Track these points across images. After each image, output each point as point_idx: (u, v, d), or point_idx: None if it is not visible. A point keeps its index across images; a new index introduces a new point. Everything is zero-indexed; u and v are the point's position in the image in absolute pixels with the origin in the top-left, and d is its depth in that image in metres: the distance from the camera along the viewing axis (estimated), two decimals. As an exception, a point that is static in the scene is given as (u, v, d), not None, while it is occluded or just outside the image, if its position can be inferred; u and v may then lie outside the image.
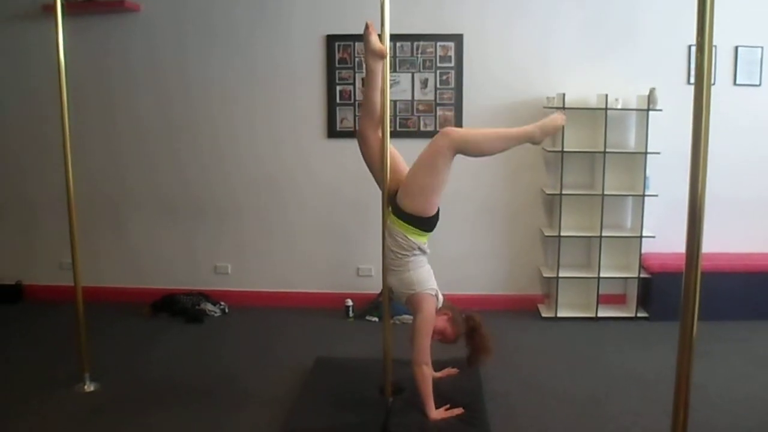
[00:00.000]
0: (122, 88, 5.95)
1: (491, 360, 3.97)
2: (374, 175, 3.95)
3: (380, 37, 3.71)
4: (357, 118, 5.76)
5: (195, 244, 6.13)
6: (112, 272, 6.19)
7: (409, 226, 3.70)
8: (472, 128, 3.64)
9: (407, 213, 3.68)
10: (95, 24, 5.85)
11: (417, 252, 3.77)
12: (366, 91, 3.87)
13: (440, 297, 3.91)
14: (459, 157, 5.52)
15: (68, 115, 4.16)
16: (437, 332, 3.88)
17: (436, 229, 3.85)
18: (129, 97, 5.96)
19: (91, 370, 4.32)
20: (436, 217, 3.77)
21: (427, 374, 3.75)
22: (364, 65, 3.84)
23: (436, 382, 3.98)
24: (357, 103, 5.76)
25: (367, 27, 3.68)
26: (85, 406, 4.06)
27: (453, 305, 4.08)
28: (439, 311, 3.88)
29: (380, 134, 3.81)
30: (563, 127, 4.66)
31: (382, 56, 3.72)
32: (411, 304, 3.80)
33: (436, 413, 3.74)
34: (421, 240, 3.76)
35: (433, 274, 3.88)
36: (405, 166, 3.90)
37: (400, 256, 3.75)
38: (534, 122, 3.77)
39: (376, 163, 3.87)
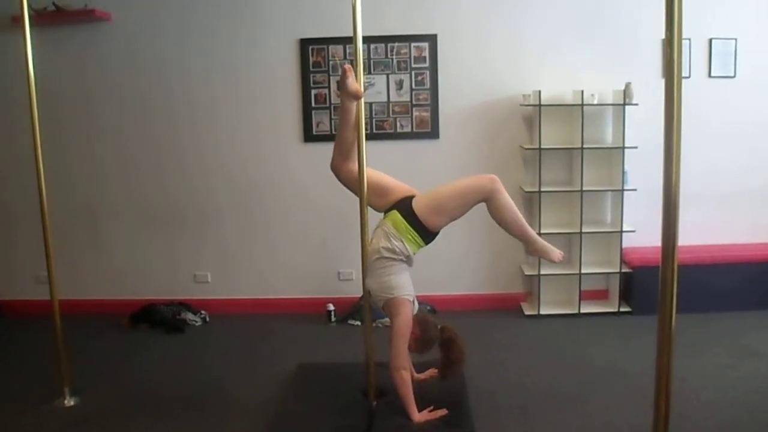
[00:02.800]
0: (98, 97, 5.88)
1: (462, 371, 4.02)
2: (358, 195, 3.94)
3: (353, 40, 3.71)
4: (332, 120, 5.74)
5: (174, 253, 6.08)
6: (90, 284, 6.11)
7: (415, 233, 3.74)
8: (508, 197, 3.73)
9: (420, 221, 3.72)
10: (67, 34, 5.78)
11: (404, 259, 3.79)
12: (339, 129, 3.88)
13: (416, 304, 3.92)
14: (439, 153, 5.54)
15: (39, 126, 4.11)
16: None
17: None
18: (105, 107, 5.89)
19: (71, 384, 4.26)
20: (435, 236, 3.84)
21: (406, 378, 3.75)
22: (339, 71, 3.83)
23: (420, 384, 3.96)
24: (333, 106, 5.73)
25: (344, 71, 3.70)
26: (65, 421, 4.00)
27: (427, 316, 4.10)
28: (413, 327, 3.84)
29: (354, 164, 3.83)
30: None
31: (357, 97, 3.74)
32: (388, 308, 3.80)
33: (420, 416, 3.72)
34: (414, 249, 3.79)
35: (411, 282, 3.88)
36: (391, 179, 3.94)
37: (386, 259, 3.75)
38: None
39: (355, 188, 3.90)
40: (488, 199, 3.70)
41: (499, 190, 3.71)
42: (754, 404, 4.01)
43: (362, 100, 3.78)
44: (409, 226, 3.73)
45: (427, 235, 3.78)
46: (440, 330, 3.93)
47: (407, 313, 3.76)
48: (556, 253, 3.88)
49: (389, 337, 3.77)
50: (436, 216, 3.73)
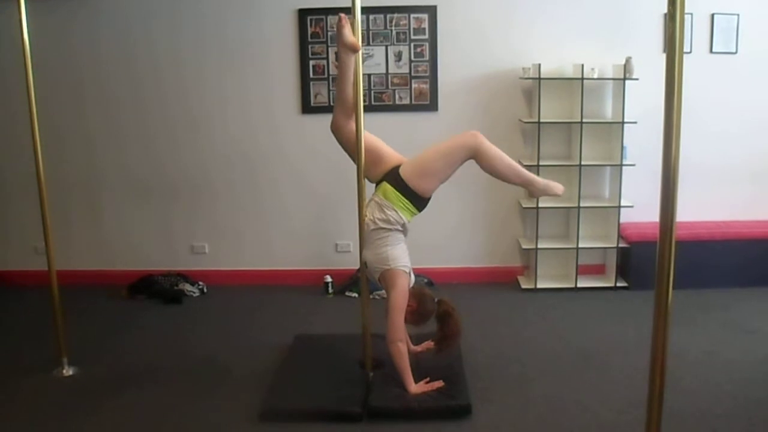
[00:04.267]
0: (91, 69, 5.83)
1: (458, 345, 4.04)
2: (355, 161, 3.91)
3: (352, 10, 3.66)
4: (331, 92, 5.71)
5: (171, 225, 6.07)
6: (88, 256, 6.12)
7: (407, 200, 3.76)
8: (494, 147, 3.72)
9: (410, 188, 3.73)
10: (60, 5, 5.71)
11: (399, 228, 3.81)
12: (339, 85, 3.84)
13: (412, 276, 3.94)
14: (438, 126, 5.51)
15: (36, 99, 4.07)
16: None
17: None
18: (99, 79, 5.85)
19: (69, 354, 4.27)
20: (428, 200, 3.86)
21: (403, 350, 3.77)
22: (336, 41, 3.78)
23: (416, 356, 3.98)
24: (331, 77, 5.69)
25: (340, 19, 3.65)
26: (63, 390, 4.03)
27: (424, 289, 4.10)
28: (409, 300, 3.87)
29: (354, 123, 3.79)
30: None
31: (354, 50, 3.68)
32: (384, 280, 3.83)
33: (416, 387, 3.75)
34: (408, 217, 3.81)
35: (407, 254, 3.90)
36: (387, 147, 3.94)
37: (382, 230, 3.78)
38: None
39: (354, 152, 3.85)
40: (475, 154, 3.72)
41: (483, 143, 3.73)
42: (747, 380, 4.03)
43: (360, 56, 3.71)
44: (400, 194, 3.75)
45: (419, 201, 3.79)
46: (437, 303, 3.95)
47: (403, 285, 3.79)
48: (559, 186, 3.96)
49: (386, 309, 3.80)
50: (424, 180, 3.74)
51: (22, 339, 4.88)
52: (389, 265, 3.78)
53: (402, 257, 3.82)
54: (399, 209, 3.76)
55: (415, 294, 3.93)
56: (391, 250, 3.79)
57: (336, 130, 3.92)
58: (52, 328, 4.26)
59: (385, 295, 3.89)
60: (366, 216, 3.85)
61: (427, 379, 3.83)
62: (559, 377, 4.13)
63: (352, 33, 3.66)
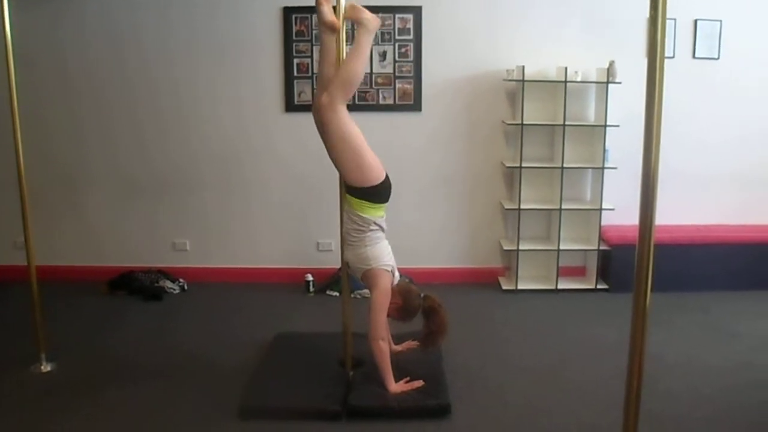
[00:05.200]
0: (76, 64, 5.78)
1: (444, 341, 4.01)
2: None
3: (336, 9, 3.66)
4: (315, 91, 5.70)
5: (153, 221, 6.04)
6: (68, 250, 6.07)
7: (362, 201, 3.73)
8: (333, 79, 3.67)
9: (355, 188, 3.71)
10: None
11: (373, 227, 3.79)
12: (320, 65, 3.82)
13: (396, 274, 3.94)
14: (421, 126, 5.52)
15: (20, 94, 4.04)
16: (389, 315, 3.92)
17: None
18: (84, 73, 5.80)
19: (48, 349, 4.25)
20: (384, 186, 3.77)
21: (384, 349, 3.77)
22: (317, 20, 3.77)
23: (397, 355, 3.99)
24: (315, 76, 5.68)
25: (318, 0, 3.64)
26: (41, 387, 4.00)
27: (410, 285, 4.11)
28: (394, 296, 3.88)
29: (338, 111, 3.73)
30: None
31: (334, 29, 3.68)
32: (366, 279, 3.84)
33: (396, 386, 3.75)
34: (377, 214, 3.79)
35: (390, 251, 3.91)
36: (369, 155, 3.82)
37: (356, 231, 3.78)
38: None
39: (331, 142, 3.80)
40: (340, 99, 3.61)
41: (329, 95, 3.60)
42: (726, 382, 4.07)
43: (342, 35, 3.70)
44: (355, 198, 3.74)
45: (372, 194, 3.74)
46: (423, 298, 3.95)
47: (385, 284, 3.79)
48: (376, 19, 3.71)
49: (368, 308, 3.79)
50: (355, 168, 3.68)
51: (0, 334, 4.84)
52: (370, 264, 3.79)
53: (382, 256, 3.82)
54: (363, 211, 3.75)
55: (401, 290, 3.93)
56: (370, 250, 3.79)
57: (316, 112, 3.81)
58: (31, 323, 4.22)
59: (367, 294, 3.89)
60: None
61: (407, 378, 3.83)
62: (539, 378, 4.15)
63: (333, 13, 3.64)
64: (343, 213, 3.86)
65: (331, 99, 3.60)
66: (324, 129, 3.70)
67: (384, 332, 3.81)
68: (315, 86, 5.65)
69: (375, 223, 3.78)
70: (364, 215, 3.75)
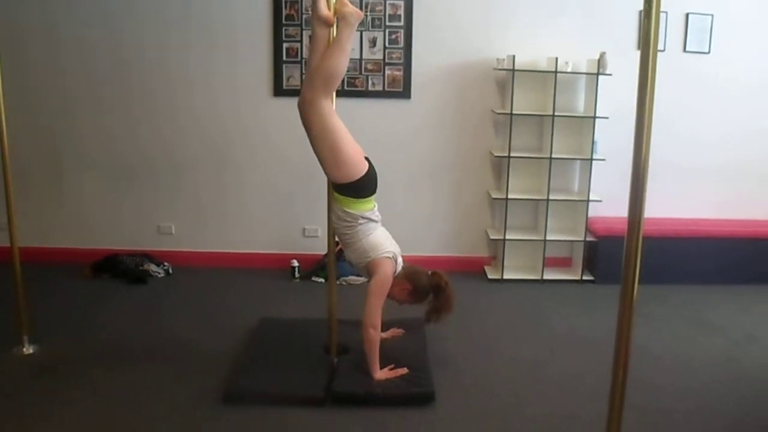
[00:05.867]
0: (66, 43, 5.69)
1: (449, 318, 4.00)
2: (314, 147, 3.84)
3: (329, 3, 3.64)
4: (303, 76, 5.66)
5: (138, 205, 5.99)
6: (52, 233, 6.02)
7: (347, 197, 3.73)
8: (318, 73, 3.66)
9: (339, 184, 3.72)
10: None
11: (362, 221, 3.78)
12: (311, 58, 3.76)
13: (399, 260, 3.93)
14: (410, 114, 5.50)
15: (3, 71, 3.99)
16: (401, 301, 3.98)
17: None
18: (72, 53, 5.71)
19: (30, 332, 4.21)
20: (368, 179, 3.76)
21: (375, 337, 3.76)
22: (311, 13, 3.74)
23: (382, 343, 3.99)
24: (304, 60, 5.65)
25: None
26: (23, 369, 3.96)
27: (416, 267, 4.06)
28: (401, 280, 3.91)
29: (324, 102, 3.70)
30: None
31: (328, 24, 3.66)
32: (369, 271, 3.83)
33: (381, 373, 3.76)
34: (363, 208, 3.78)
35: (389, 237, 3.92)
36: (352, 150, 3.79)
37: (346, 230, 3.80)
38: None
39: (316, 137, 3.77)
40: (322, 93, 3.60)
41: (311, 91, 3.61)
42: (710, 375, 4.11)
43: (334, 29, 3.67)
44: (341, 195, 3.76)
45: (355, 188, 3.73)
46: (431, 275, 3.96)
47: (386, 272, 3.78)
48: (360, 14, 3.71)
49: (366, 293, 3.78)
50: (335, 163, 3.67)
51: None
52: (369, 256, 3.79)
53: (380, 245, 3.81)
54: (346, 206, 3.75)
55: (407, 274, 3.94)
56: (365, 242, 3.79)
57: (301, 106, 3.74)
58: (13, 305, 4.19)
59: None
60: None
61: (392, 366, 3.84)
62: (523, 368, 4.16)
63: (328, 7, 3.63)
64: (331, 213, 3.87)
65: (312, 95, 3.59)
66: (305, 124, 3.69)
67: (377, 320, 3.77)
68: (304, 73, 5.65)
69: (362, 217, 3.77)
70: (350, 210, 3.75)
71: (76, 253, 5.93)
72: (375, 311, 3.75)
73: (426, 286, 3.94)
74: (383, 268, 3.77)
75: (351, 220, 3.76)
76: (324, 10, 3.62)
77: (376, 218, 3.87)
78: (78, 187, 5.97)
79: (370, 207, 3.82)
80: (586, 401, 3.69)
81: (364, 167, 3.74)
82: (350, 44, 3.65)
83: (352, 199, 3.73)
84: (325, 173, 3.76)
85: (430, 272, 3.99)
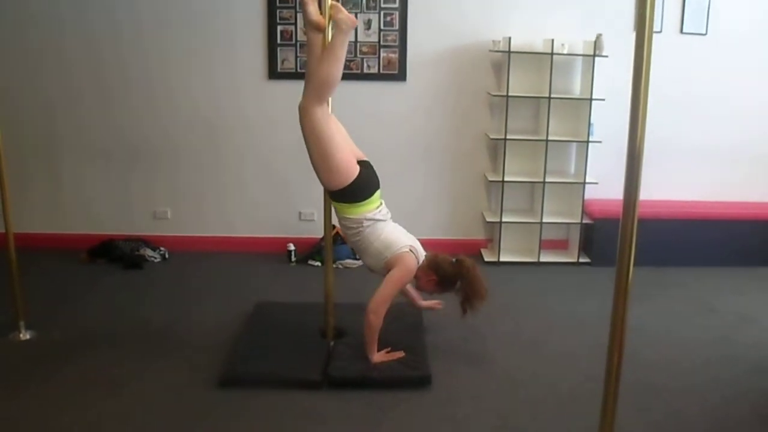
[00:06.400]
0: (49, 29, 5.64)
1: (485, 305, 3.92)
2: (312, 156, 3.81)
3: (321, 8, 3.61)
4: (298, 58, 5.65)
5: (134, 190, 5.97)
6: (48, 219, 6.00)
7: (342, 203, 3.75)
8: (310, 81, 3.61)
9: (336, 192, 3.70)
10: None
11: (367, 224, 3.78)
12: (309, 63, 3.73)
13: (420, 251, 3.91)
14: (406, 96, 5.48)
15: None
16: (430, 291, 4.01)
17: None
18: (56, 39, 5.66)
19: (27, 317, 4.21)
20: (360, 182, 3.71)
21: (376, 325, 3.72)
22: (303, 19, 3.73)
23: (386, 324, 4.00)
24: (299, 43, 5.62)
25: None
26: (20, 354, 3.97)
27: (438, 256, 4.00)
28: (425, 271, 3.90)
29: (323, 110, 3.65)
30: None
31: (320, 28, 3.62)
32: (389, 269, 3.79)
33: (378, 356, 3.76)
34: (363, 211, 3.76)
35: (402, 231, 3.92)
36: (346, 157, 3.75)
37: (355, 236, 3.82)
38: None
39: (317, 143, 3.72)
40: (316, 102, 3.56)
41: (307, 99, 3.57)
42: (705, 357, 4.12)
43: (328, 32, 3.64)
44: (338, 202, 3.77)
45: (351, 193, 3.71)
46: (454, 263, 3.93)
47: (407, 265, 3.77)
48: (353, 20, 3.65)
49: (383, 281, 3.76)
50: (329, 170, 3.65)
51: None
52: (386, 256, 3.78)
53: (395, 242, 3.80)
54: (346, 212, 3.77)
55: (430, 264, 3.91)
56: (378, 243, 3.79)
57: (303, 111, 3.68)
58: (9, 291, 4.18)
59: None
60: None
61: (389, 348, 3.84)
62: (519, 350, 4.18)
63: (319, 12, 3.60)
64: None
65: (305, 103, 3.57)
66: (302, 131, 3.66)
67: (383, 308, 3.72)
68: (299, 56, 5.64)
69: (366, 219, 3.76)
70: (351, 216, 3.76)
71: (72, 238, 5.92)
72: (384, 300, 3.72)
73: (452, 274, 3.90)
74: (403, 262, 3.76)
75: (355, 225, 3.77)
76: (315, 15, 3.60)
77: (381, 217, 3.84)
78: (74, 172, 5.94)
79: (371, 208, 3.79)
80: (582, 382, 3.70)
81: (355, 172, 3.68)
82: (344, 51, 3.57)
83: (347, 204, 3.74)
84: (319, 178, 3.74)
85: (454, 259, 3.95)
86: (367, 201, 3.76)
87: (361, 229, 3.77)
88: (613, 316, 2.12)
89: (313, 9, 3.58)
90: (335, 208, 3.82)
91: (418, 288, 4.02)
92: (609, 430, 2.17)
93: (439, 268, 3.91)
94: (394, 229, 3.89)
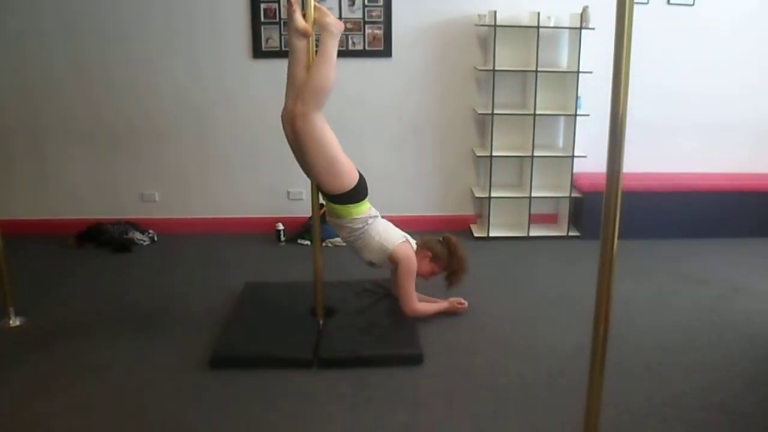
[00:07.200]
0: (28, 14, 5.56)
1: (467, 278, 4.22)
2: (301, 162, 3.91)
3: (305, 15, 3.60)
4: (282, 36, 5.60)
5: (121, 173, 5.93)
6: (35, 205, 5.95)
7: (347, 205, 3.82)
8: (304, 89, 3.61)
9: (337, 195, 3.78)
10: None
11: (370, 221, 3.93)
12: (290, 68, 3.74)
13: (411, 240, 4.13)
14: (392, 72, 5.45)
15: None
16: (427, 273, 4.14)
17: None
18: (38, 21, 5.58)
19: (16, 304, 4.19)
20: (361, 184, 3.84)
21: (423, 309, 4.08)
22: (288, 27, 3.74)
23: (373, 306, 4.15)
24: (282, 21, 5.56)
25: (290, 4, 3.59)
26: (10, 341, 3.94)
27: (427, 240, 4.24)
28: (418, 253, 4.09)
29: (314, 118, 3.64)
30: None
31: (306, 35, 3.62)
32: (392, 261, 4.00)
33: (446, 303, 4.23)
34: (367, 208, 3.92)
35: (390, 224, 4.10)
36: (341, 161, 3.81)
37: (360, 235, 3.93)
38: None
39: (302, 153, 3.81)
40: (314, 110, 3.59)
41: (303, 105, 3.58)
42: (692, 329, 4.13)
43: (312, 38, 3.65)
44: (338, 205, 3.83)
45: (353, 195, 3.81)
46: (441, 241, 4.19)
47: (408, 256, 3.99)
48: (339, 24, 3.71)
49: (397, 283, 4.05)
50: (333, 174, 3.72)
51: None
52: (388, 249, 3.97)
53: (393, 235, 4.02)
54: (349, 215, 3.86)
55: (422, 245, 4.17)
56: (379, 239, 3.96)
57: (287, 119, 3.75)
58: (-3, 277, 4.17)
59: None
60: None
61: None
62: (510, 324, 4.19)
63: (304, 19, 3.60)
64: (335, 226, 4.01)
65: (304, 109, 3.57)
66: (297, 137, 3.67)
67: (415, 301, 4.07)
68: (283, 31, 5.58)
69: (370, 217, 3.94)
70: (356, 216, 3.86)
71: (59, 224, 5.88)
72: (411, 295, 4.03)
73: (442, 251, 4.13)
74: (404, 253, 3.98)
75: (360, 225, 3.90)
76: (301, 22, 3.59)
77: (376, 213, 4.02)
78: (59, 157, 5.88)
79: (368, 206, 3.95)
80: (572, 357, 3.71)
81: (356, 172, 3.82)
82: (335, 54, 3.61)
83: (351, 205, 3.83)
84: (320, 186, 3.79)
85: (441, 238, 4.20)
86: (366, 198, 3.93)
87: (366, 227, 3.92)
88: (598, 289, 2.12)
89: (299, 16, 3.59)
90: (335, 213, 3.89)
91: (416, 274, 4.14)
92: (597, 400, 2.18)
93: (430, 245, 4.16)
94: (387, 224, 4.08)
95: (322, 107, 3.62)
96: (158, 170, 5.94)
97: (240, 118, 5.82)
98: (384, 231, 3.99)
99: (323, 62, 3.58)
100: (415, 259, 4.02)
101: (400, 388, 3.41)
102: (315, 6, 3.61)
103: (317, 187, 3.83)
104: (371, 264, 4.10)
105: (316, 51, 3.68)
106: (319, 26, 3.62)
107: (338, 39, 3.64)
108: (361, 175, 3.85)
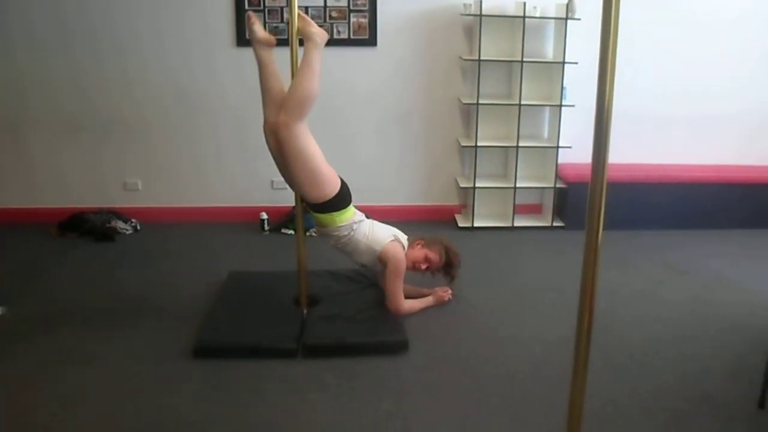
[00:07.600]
0: (16, 2, 5.49)
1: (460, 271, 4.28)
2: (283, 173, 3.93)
3: (290, 23, 3.60)
4: (267, 24, 5.56)
5: (103, 161, 5.87)
6: (15, 193, 5.89)
7: (330, 213, 3.82)
8: (288, 99, 3.61)
9: (320, 204, 3.77)
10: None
11: (355, 225, 3.92)
12: (263, 81, 3.75)
13: (401, 236, 4.12)
14: (377, 62, 5.42)
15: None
16: (424, 264, 4.12)
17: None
18: (24, 9, 5.53)
19: (-3, 293, 4.17)
20: (343, 191, 3.84)
21: (410, 306, 4.07)
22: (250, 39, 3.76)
23: (357, 295, 4.14)
24: (267, 9, 5.53)
25: (248, 18, 3.64)
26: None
27: (421, 236, 4.27)
28: (411, 246, 4.13)
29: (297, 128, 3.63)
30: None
31: (270, 45, 3.65)
32: (382, 260, 4.00)
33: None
34: (351, 214, 3.91)
35: (380, 225, 4.09)
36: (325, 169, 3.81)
37: (347, 240, 3.93)
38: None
39: (285, 165, 3.79)
40: (297, 120, 3.57)
41: (286, 115, 3.57)
42: (676, 320, 4.15)
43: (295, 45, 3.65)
44: (322, 214, 3.84)
45: (337, 202, 3.81)
46: (434, 235, 4.29)
47: (397, 254, 3.97)
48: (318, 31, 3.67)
49: (385, 281, 4.01)
50: (317, 184, 3.71)
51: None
52: (377, 250, 3.95)
53: (381, 235, 4.00)
54: (333, 223, 3.86)
55: (414, 240, 4.20)
56: (367, 240, 3.96)
57: (269, 129, 3.74)
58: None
59: (324, 232, 3.95)
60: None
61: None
62: (495, 314, 4.19)
63: (264, 29, 3.66)
64: (322, 234, 4.02)
65: (287, 120, 3.55)
66: (281, 148, 3.66)
67: (402, 301, 4.03)
68: (267, 19, 5.54)
69: (354, 222, 3.92)
70: (341, 224, 3.86)
71: (43, 212, 5.82)
72: (397, 294, 3.99)
73: (435, 240, 4.19)
74: (393, 252, 3.96)
75: (346, 232, 3.90)
76: (261, 32, 3.64)
77: (361, 217, 4.00)
78: (44, 145, 5.82)
79: (353, 212, 3.95)
80: (556, 347, 3.72)
81: (338, 180, 3.81)
82: (319, 65, 3.59)
83: (336, 213, 3.83)
84: (303, 195, 3.80)
85: (427, 236, 4.24)
86: (350, 204, 3.92)
87: (351, 233, 3.91)
88: (582, 280, 2.12)
89: (258, 28, 3.62)
90: (320, 222, 3.89)
91: (413, 269, 4.16)
92: (581, 391, 2.18)
93: (422, 238, 4.20)
94: (374, 224, 4.06)
95: (305, 117, 3.60)
96: (141, 159, 5.89)
97: (223, 107, 5.78)
98: (371, 232, 3.97)
99: (307, 72, 3.56)
100: (403, 258, 3.99)
101: (384, 378, 3.41)
102: (299, 15, 3.60)
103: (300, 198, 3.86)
104: (364, 267, 4.16)
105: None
106: (303, 36, 3.60)
107: (322, 48, 3.61)
108: (343, 182, 3.84)
